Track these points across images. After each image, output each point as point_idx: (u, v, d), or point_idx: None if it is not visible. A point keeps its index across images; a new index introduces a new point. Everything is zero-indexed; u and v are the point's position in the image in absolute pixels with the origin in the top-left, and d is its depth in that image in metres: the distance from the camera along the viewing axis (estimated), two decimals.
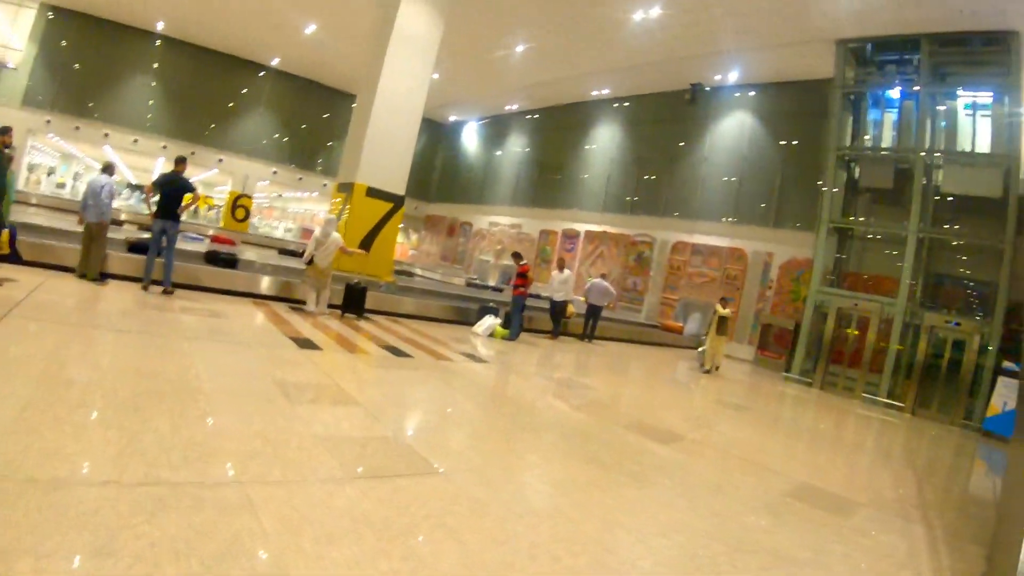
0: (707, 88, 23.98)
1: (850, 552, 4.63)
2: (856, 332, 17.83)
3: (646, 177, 26.21)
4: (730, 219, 22.96)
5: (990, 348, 15.70)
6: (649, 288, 25.18)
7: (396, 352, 9.23)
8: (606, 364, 13.92)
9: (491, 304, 14.71)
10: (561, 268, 15.62)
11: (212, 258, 12.38)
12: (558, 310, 15.39)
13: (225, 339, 7.89)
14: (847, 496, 6.20)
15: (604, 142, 28.44)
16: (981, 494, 8.64)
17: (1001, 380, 14.55)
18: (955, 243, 17.44)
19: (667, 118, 25.58)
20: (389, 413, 6.02)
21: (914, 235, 17.06)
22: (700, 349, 15.08)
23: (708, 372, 14.56)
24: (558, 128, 31.02)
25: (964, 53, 17.42)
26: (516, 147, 33.89)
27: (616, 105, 27.93)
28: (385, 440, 4.97)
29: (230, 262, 12.36)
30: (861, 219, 18.93)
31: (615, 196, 27.32)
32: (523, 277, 13.91)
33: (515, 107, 33.44)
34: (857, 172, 19.09)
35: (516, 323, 13.60)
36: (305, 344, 8.36)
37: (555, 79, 27.59)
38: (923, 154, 17.39)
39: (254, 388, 5.70)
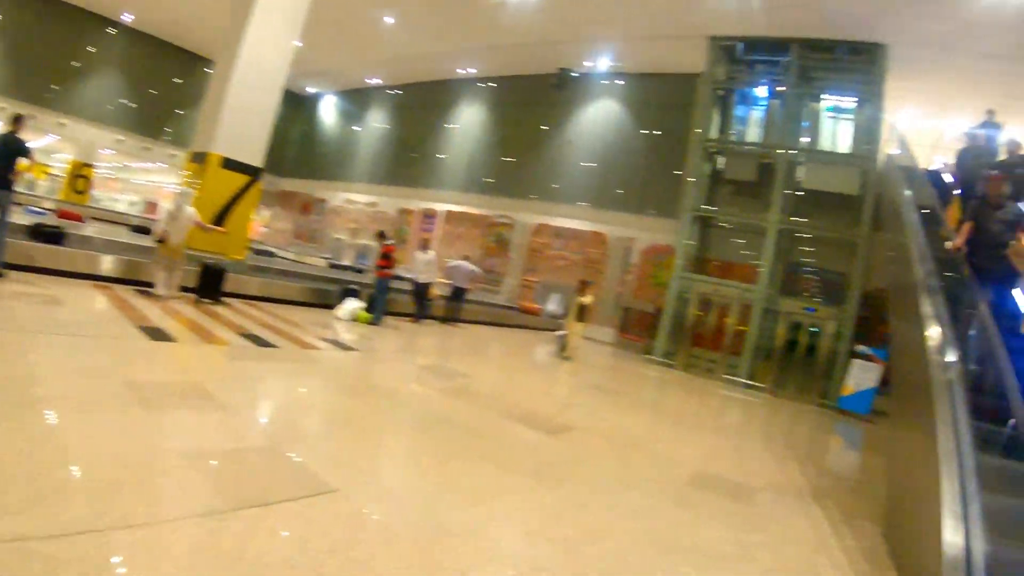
0: (575, 74, 23.69)
1: (768, 540, 4.63)
2: (717, 316, 18.33)
3: (508, 159, 25.57)
4: (592, 204, 22.80)
5: (844, 333, 16.68)
6: (508, 270, 24.48)
7: (259, 342, 8.14)
8: (473, 348, 13.54)
9: (353, 286, 13.56)
10: (425, 248, 14.70)
11: (36, 233, 10.06)
12: (422, 292, 14.50)
13: (65, 330, 6.43)
14: (744, 481, 6.25)
15: (467, 122, 27.49)
16: (860, 471, 9.20)
17: (854, 362, 15.40)
18: (812, 235, 18.31)
19: (533, 101, 25.09)
20: (263, 417, 5.26)
21: (774, 226, 17.71)
22: (559, 333, 14.30)
23: (568, 359, 13.64)
24: (421, 105, 29.66)
25: (832, 59, 18.30)
26: (376, 123, 32.10)
27: (481, 85, 27.10)
28: (265, 452, 4.19)
29: (54, 237, 10.10)
30: (724, 209, 19.43)
31: (476, 177, 26.51)
32: (387, 258, 12.90)
33: (378, 81, 31.65)
34: (721, 164, 19.65)
35: (380, 306, 12.63)
36: (157, 335, 7.03)
37: (421, 54, 26.38)
38: (786, 151, 18.18)
39: (102, 393, 4.59)
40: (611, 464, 5.97)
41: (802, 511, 5.56)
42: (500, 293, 24.29)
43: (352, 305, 12.38)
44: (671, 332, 18.47)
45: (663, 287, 20.22)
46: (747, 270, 18.72)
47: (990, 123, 15.15)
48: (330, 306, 12.85)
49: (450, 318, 15.87)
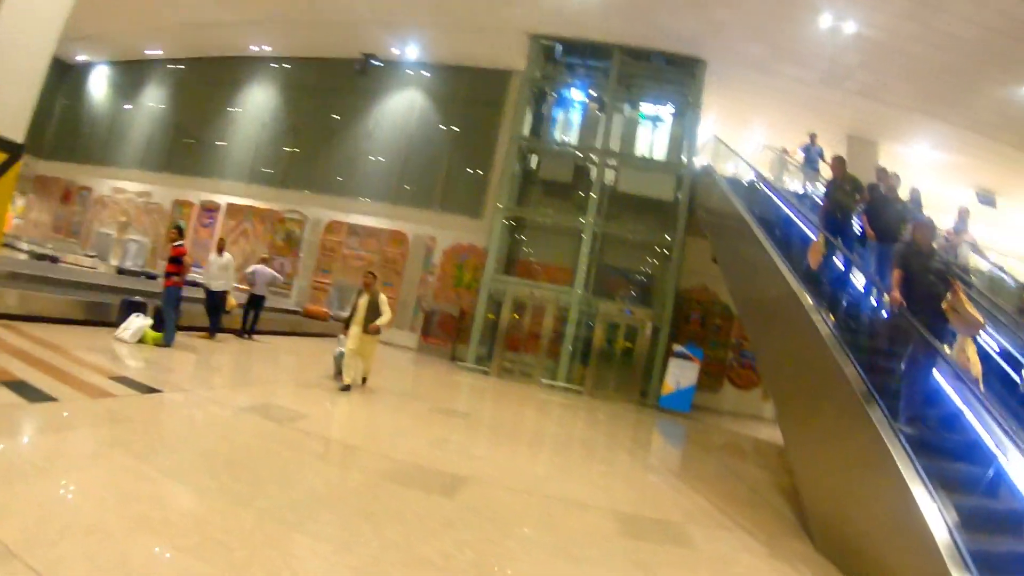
0: (380, 61, 20.56)
1: None
2: (532, 319, 16.95)
3: (302, 149, 21.85)
4: (392, 200, 19.82)
5: (661, 334, 16.12)
6: (299, 271, 20.53)
7: (27, 390, 5.32)
8: (290, 371, 11.52)
9: (137, 298, 10.45)
10: (220, 250, 11.84)
11: None
12: (216, 302, 11.65)
13: None
14: (663, 517, 5.93)
15: (257, 106, 23.32)
16: (736, 480, 8.80)
17: (672, 362, 15.21)
18: (627, 239, 17.53)
19: (332, 87, 21.80)
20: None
21: (590, 228, 16.68)
22: (338, 351, 9.62)
23: (347, 389, 8.95)
24: (205, 84, 24.82)
25: (653, 69, 17.83)
26: (152, 101, 26.45)
27: (275, 66, 23.19)
28: None
29: None
30: (537, 209, 18.07)
31: (264, 167, 22.53)
32: (178, 263, 9.89)
33: (158, 52, 26.14)
34: (535, 164, 18.31)
35: (170, 323, 9.72)
36: None
37: (210, 22, 22.15)
38: (603, 154, 17.46)
39: None
40: (537, 530, 4.81)
41: (740, 544, 5.36)
42: (290, 296, 20.19)
43: (138, 323, 9.47)
44: (483, 336, 16.71)
45: (467, 289, 18.58)
46: (561, 272, 17.62)
47: (812, 146, 15.18)
48: (109, 324, 9.78)
49: (247, 330, 13.12)
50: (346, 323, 9.20)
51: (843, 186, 9.06)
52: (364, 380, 9.58)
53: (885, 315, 7.16)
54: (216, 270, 11.49)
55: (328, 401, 8.45)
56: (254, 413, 6.64)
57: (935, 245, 6.35)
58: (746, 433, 14.77)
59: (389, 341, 18.31)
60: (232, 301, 11.76)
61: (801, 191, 13.63)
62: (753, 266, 10.30)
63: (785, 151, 15.75)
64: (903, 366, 6.06)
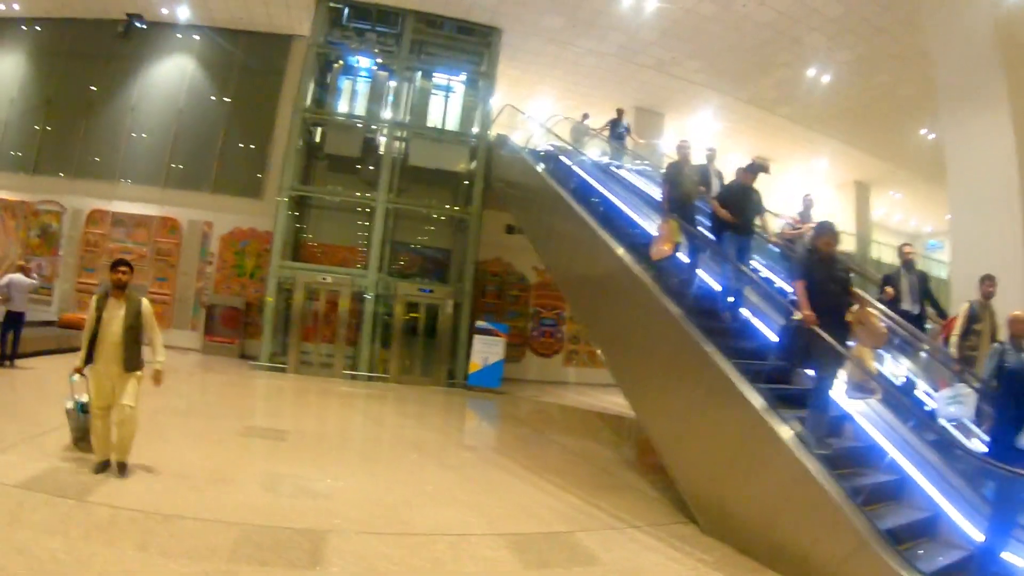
0: (146, 22, 17.30)
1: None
2: (327, 307, 15.06)
3: (56, 127, 18.08)
4: (161, 184, 16.80)
5: (463, 310, 14.98)
6: (60, 272, 16.94)
7: None
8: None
9: None
10: None
11: None
12: None
13: None
14: (551, 530, 5.37)
15: (3, 79, 18.80)
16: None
17: (477, 338, 14.35)
18: (423, 213, 16.13)
19: (90, 53, 18.36)
20: None
21: (383, 205, 15.08)
22: (72, 403, 5.66)
23: (104, 467, 5.35)
24: None
25: (447, 37, 16.37)
26: None
27: (25, 28, 18.87)
28: None
29: None
30: (324, 187, 16.18)
31: (12, 150, 18.18)
32: None
33: None
34: (320, 138, 16.25)
35: None
36: None
37: None
38: (394, 126, 16.00)
39: None
40: None
41: (635, 545, 5.20)
42: (52, 303, 16.60)
43: None
44: (275, 330, 14.67)
45: (251, 278, 16.48)
46: (353, 253, 16.10)
47: (619, 120, 14.48)
48: None
49: (7, 356, 10.29)
50: (85, 353, 5.25)
51: (687, 171, 8.38)
52: (122, 466, 5.32)
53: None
54: None
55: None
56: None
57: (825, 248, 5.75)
58: (559, 403, 14.29)
59: (169, 344, 15.48)
60: None
61: (605, 162, 13.08)
62: (575, 241, 9.64)
63: (586, 116, 14.84)
64: (810, 384, 5.74)
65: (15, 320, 10.35)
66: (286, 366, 14.19)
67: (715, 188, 8.77)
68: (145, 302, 5.46)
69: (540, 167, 12.01)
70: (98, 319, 5.19)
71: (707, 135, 18.76)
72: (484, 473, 7.27)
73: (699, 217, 8.40)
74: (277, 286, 14.51)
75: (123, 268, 5.34)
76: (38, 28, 18.88)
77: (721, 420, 5.82)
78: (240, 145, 17.01)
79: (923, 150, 18.32)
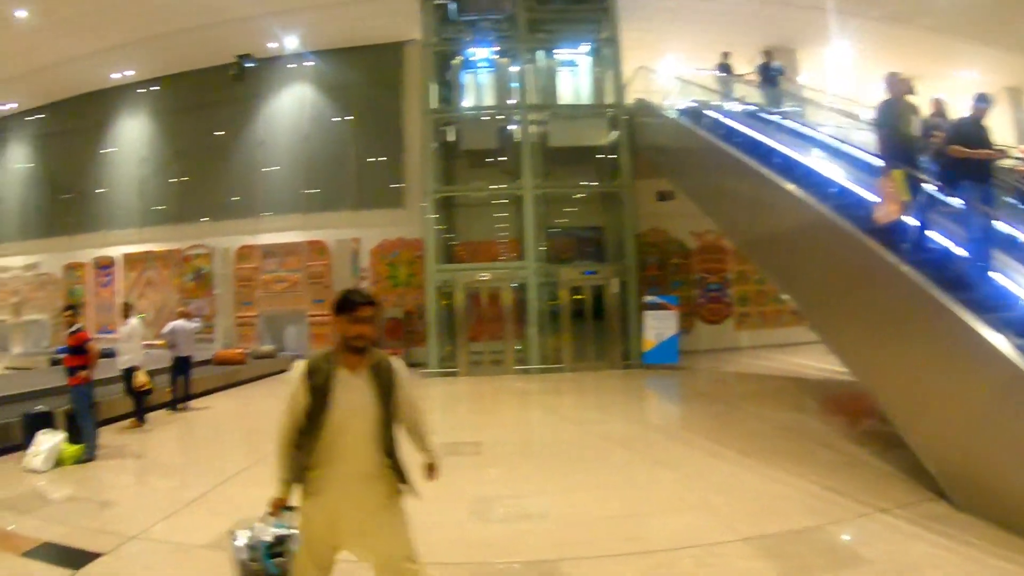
0: (256, 60, 16.91)
1: None
2: (490, 304, 14.13)
3: (190, 176, 18.28)
4: (302, 210, 16.49)
5: (630, 288, 13.68)
6: (218, 309, 16.76)
7: None
8: (232, 452, 7.91)
9: (40, 408, 7.46)
10: (127, 315, 9.09)
11: None
12: (127, 382, 8.65)
13: None
14: (796, 526, 4.34)
15: (132, 140, 19.38)
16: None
17: (647, 314, 13.08)
18: (572, 195, 15.08)
19: (209, 101, 18.29)
20: None
21: (531, 191, 13.91)
22: (241, 542, 2.75)
23: None
24: (71, 129, 20.45)
25: (560, 10, 15.17)
26: (17, 162, 21.69)
27: (143, 91, 19.15)
28: None
29: None
30: (467, 184, 15.22)
31: (154, 205, 18.50)
32: (80, 353, 6.97)
33: (12, 106, 21.39)
34: (451, 136, 14.99)
35: (88, 431, 6.91)
36: None
37: (62, 59, 17.88)
38: (527, 111, 14.54)
39: None
40: None
41: (897, 535, 4.15)
42: (214, 340, 16.49)
43: (49, 443, 6.57)
44: (440, 334, 13.76)
45: (407, 286, 15.84)
46: (504, 246, 15.07)
47: (769, 63, 12.69)
48: (16, 446, 6.97)
49: (178, 400, 10.01)
50: (289, 467, 2.64)
51: (902, 109, 6.54)
52: None
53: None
54: (124, 341, 8.64)
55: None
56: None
57: None
58: (742, 371, 12.89)
59: None
60: (142, 378, 8.44)
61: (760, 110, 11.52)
62: (756, 200, 8.47)
63: (727, 55, 13.10)
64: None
65: (183, 365, 9.99)
66: (457, 369, 13.49)
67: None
68: (397, 363, 2.76)
69: (695, 126, 10.83)
70: (318, 408, 2.53)
71: (844, 66, 16.81)
72: (700, 465, 6.11)
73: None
74: (436, 291, 13.71)
75: (365, 311, 2.57)
76: (155, 88, 18.90)
77: (973, 382, 4.70)
78: (372, 159, 16.47)
79: None
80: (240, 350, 14.60)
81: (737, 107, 11.24)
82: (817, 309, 7.55)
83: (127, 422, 8.62)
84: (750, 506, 4.79)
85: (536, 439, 7.76)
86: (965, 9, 15.77)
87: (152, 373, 8.98)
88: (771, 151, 8.93)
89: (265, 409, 10.67)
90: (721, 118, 10.92)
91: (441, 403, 11.01)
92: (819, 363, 12.42)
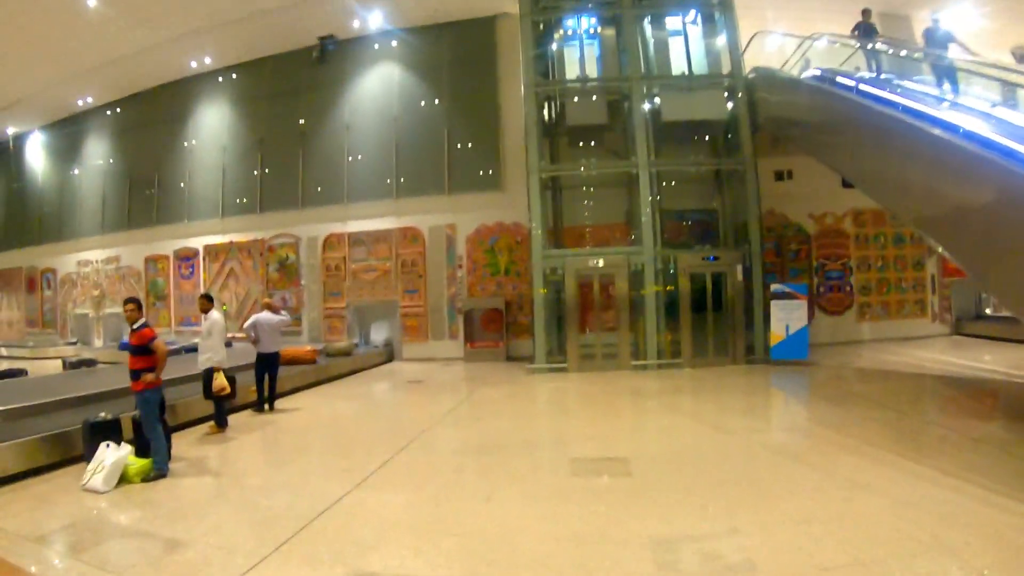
0: (339, 40, 15.17)
1: None
2: (601, 293, 12.01)
3: (274, 164, 16.74)
4: (393, 195, 14.50)
5: (755, 276, 11.56)
6: (305, 300, 15.07)
7: None
8: (335, 465, 5.89)
9: (103, 415, 5.75)
10: (206, 310, 7.37)
11: None
12: (207, 383, 7.10)
13: None
14: None
15: (212, 129, 17.82)
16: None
17: (775, 304, 11.02)
18: (688, 174, 12.94)
19: (292, 86, 16.73)
20: None
21: (646, 169, 11.83)
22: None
23: None
24: (149, 121, 19.18)
25: None
26: (98, 157, 20.54)
27: (222, 79, 17.54)
28: None
29: None
30: (577, 162, 13.01)
31: (236, 194, 17.34)
32: (145, 353, 5.44)
33: (90, 100, 20.15)
34: (556, 113, 13.08)
35: (159, 443, 5.37)
36: None
37: (139, 49, 16.60)
38: (640, 82, 12.27)
39: None
40: None
41: None
42: (302, 332, 14.95)
43: (112, 457, 5.01)
44: (547, 326, 11.87)
45: (507, 275, 13.99)
46: (615, 230, 13.19)
47: (937, 28, 9.87)
48: (76, 459, 5.53)
49: (263, 400, 8.50)
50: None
51: None
52: None
53: None
54: (202, 340, 7.21)
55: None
56: None
57: None
58: (881, 368, 10.65)
59: (430, 356, 13.18)
60: (220, 381, 6.96)
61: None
62: (943, 174, 6.69)
63: (867, 14, 10.58)
64: None
65: (268, 361, 8.44)
66: (566, 365, 11.66)
67: None
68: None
69: (852, 93, 8.67)
70: None
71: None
72: (904, 487, 4.45)
73: None
74: (544, 278, 11.81)
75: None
76: (235, 76, 17.25)
77: None
78: (466, 140, 14.68)
79: None
80: (311, 348, 12.35)
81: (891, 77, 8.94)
82: None
83: (207, 426, 7.17)
84: (994, 545, 3.34)
85: (690, 453, 5.91)
86: None
87: (234, 372, 7.43)
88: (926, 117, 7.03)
89: (360, 411, 9.02)
90: (847, 83, 8.89)
91: (558, 405, 9.27)
92: (958, 359, 10.79)
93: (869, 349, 12.83)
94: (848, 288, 13.98)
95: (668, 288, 11.69)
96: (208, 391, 7.00)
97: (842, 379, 9.93)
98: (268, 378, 8.48)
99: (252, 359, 8.48)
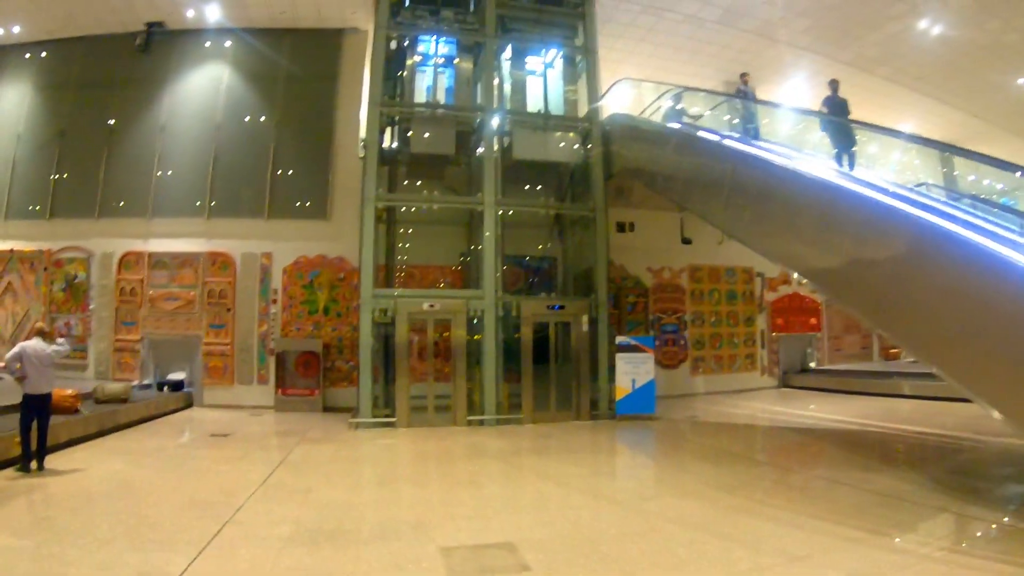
0: (168, 30, 12.37)
1: None
2: (437, 340, 10.35)
3: (74, 163, 13.25)
4: (205, 214, 11.60)
5: (601, 327, 10.32)
6: (93, 328, 11.77)
7: None
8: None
9: None
10: None
11: None
12: None
13: None
14: None
15: (7, 113, 13.93)
16: None
17: (620, 357, 9.95)
18: (529, 219, 11.35)
19: (107, 75, 13.58)
20: None
21: (492, 208, 10.26)
22: None
23: None
24: None
25: (534, 9, 11.57)
26: None
27: (29, 55, 13.64)
28: None
29: None
30: (418, 194, 11.33)
31: (25, 194, 13.26)
32: None
33: None
34: (395, 140, 11.10)
35: None
36: None
37: None
38: (494, 115, 10.75)
39: None
40: None
41: None
42: (87, 367, 11.50)
43: None
44: (374, 374, 9.97)
45: (327, 315, 11.68)
46: (445, 273, 11.62)
47: (744, 89, 10.28)
48: None
49: (31, 456, 5.96)
50: None
51: None
52: None
53: None
54: None
55: None
56: None
57: None
58: (732, 422, 10.20)
59: (236, 403, 10.50)
60: None
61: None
62: (829, 222, 6.31)
63: (745, 76, 9.84)
64: None
65: (38, 405, 5.98)
66: (394, 419, 9.57)
67: None
68: None
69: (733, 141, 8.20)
70: None
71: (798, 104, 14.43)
72: (853, 557, 3.78)
73: None
74: (371, 320, 9.70)
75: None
76: (44, 53, 13.64)
77: None
78: (295, 162, 12.28)
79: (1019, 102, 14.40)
80: (74, 392, 8.30)
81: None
82: (945, 347, 5.08)
83: None
84: None
85: (585, 533, 4.44)
86: (923, 62, 14.30)
87: None
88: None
89: (156, 474, 6.41)
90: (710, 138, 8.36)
91: (399, 469, 7.32)
92: (795, 410, 10.82)
93: (704, 401, 12.32)
94: (683, 342, 13.31)
95: (516, 336, 10.08)
96: None
97: (698, 435, 9.15)
98: (38, 427, 5.94)
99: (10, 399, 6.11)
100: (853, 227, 5.98)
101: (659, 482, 6.47)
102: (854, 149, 7.88)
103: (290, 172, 12.13)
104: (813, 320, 14.44)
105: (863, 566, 3.59)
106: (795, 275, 14.05)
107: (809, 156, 7.98)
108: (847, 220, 6.07)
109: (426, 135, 10.65)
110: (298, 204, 11.93)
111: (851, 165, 7.68)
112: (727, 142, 8.62)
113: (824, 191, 6.52)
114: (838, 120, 8.31)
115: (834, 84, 8.57)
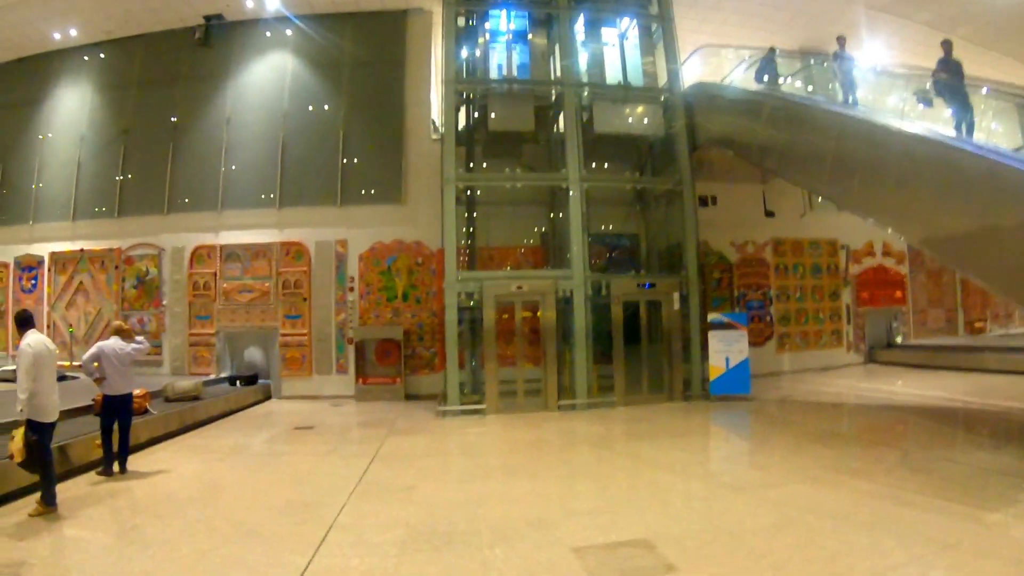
0: (227, 22, 11.92)
1: None
2: (523, 323, 9.51)
3: (140, 161, 12.90)
4: (277, 203, 11.09)
5: (692, 305, 9.53)
6: (167, 324, 11.36)
7: None
8: None
9: None
10: (23, 329, 4.41)
11: None
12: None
13: None
14: None
15: (71, 116, 13.69)
16: None
17: (713, 335, 9.17)
18: (611, 195, 10.55)
19: (168, 71, 13.23)
20: None
21: (577, 185, 9.50)
22: None
23: None
24: None
25: None
26: None
27: (88, 57, 13.37)
28: None
29: None
30: (498, 173, 10.46)
31: (93, 194, 13.06)
32: None
33: None
34: (471, 118, 10.51)
35: None
36: None
37: None
38: (574, 88, 9.96)
39: None
40: None
41: None
42: (163, 362, 11.33)
43: None
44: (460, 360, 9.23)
45: (406, 300, 11.02)
46: (527, 254, 10.82)
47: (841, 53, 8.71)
48: None
49: (113, 459, 5.44)
50: None
51: None
52: None
53: None
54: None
55: None
56: None
57: None
58: (834, 401, 9.10)
59: (315, 394, 9.91)
60: (14, 443, 4.17)
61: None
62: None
63: (843, 42, 8.93)
64: None
65: (117, 408, 5.49)
66: (483, 405, 8.96)
67: None
68: None
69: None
70: None
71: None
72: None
73: None
74: (455, 304, 9.08)
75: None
76: (102, 55, 13.23)
77: None
78: (365, 147, 11.72)
79: None
80: (142, 391, 7.18)
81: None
82: None
83: (33, 501, 4.30)
84: None
85: (720, 525, 3.85)
86: (1004, 19, 12.78)
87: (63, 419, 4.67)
88: None
89: (245, 474, 5.88)
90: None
91: (499, 460, 6.50)
92: (887, 386, 9.84)
93: (792, 380, 11.44)
94: (769, 318, 12.41)
95: (606, 316, 9.32)
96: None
97: (797, 413, 8.27)
98: (119, 428, 5.48)
99: (84, 399, 5.71)
100: (981, 192, 5.29)
101: (778, 467, 5.66)
102: (973, 118, 6.96)
103: (361, 158, 11.56)
104: (898, 293, 13.44)
105: (1019, 553, 3.17)
106: (878, 247, 13.19)
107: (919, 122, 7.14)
108: (974, 186, 5.39)
109: (503, 112, 9.96)
110: (371, 189, 11.34)
111: (970, 132, 6.79)
112: (830, 107, 7.80)
113: (947, 153, 5.77)
114: (954, 84, 7.38)
115: (947, 44, 7.53)
